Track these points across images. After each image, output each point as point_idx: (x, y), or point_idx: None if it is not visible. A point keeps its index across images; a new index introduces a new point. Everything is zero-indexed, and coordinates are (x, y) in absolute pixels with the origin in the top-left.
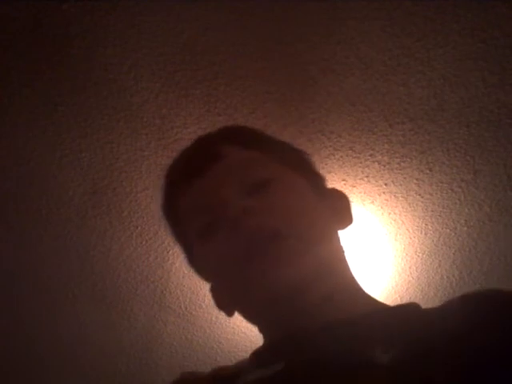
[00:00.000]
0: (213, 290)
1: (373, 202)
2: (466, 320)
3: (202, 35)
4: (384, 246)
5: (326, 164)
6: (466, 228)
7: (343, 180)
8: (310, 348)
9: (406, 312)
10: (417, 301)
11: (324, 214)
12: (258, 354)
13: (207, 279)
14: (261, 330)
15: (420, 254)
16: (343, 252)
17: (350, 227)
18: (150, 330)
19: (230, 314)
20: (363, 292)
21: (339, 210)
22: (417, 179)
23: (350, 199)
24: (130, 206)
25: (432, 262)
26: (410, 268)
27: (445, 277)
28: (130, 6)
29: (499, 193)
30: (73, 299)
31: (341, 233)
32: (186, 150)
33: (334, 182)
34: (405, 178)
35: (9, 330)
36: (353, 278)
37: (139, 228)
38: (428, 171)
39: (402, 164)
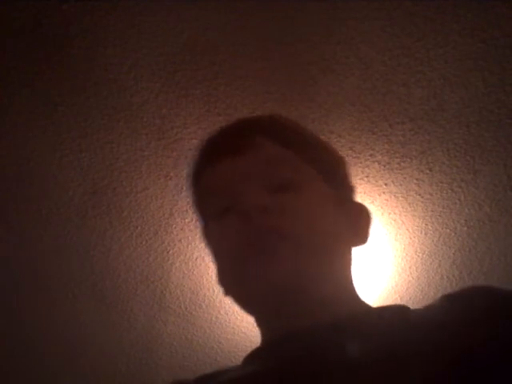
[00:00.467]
0: (216, 266)
1: (373, 202)
2: (450, 320)
3: (202, 35)
4: (384, 246)
5: None
6: (465, 228)
7: None
8: (290, 348)
9: (391, 313)
10: (417, 301)
11: (340, 228)
12: (248, 356)
13: (213, 257)
14: (255, 320)
15: (420, 254)
16: (350, 267)
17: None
18: (149, 330)
19: (225, 294)
20: (360, 300)
21: (357, 227)
22: (417, 179)
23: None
24: (130, 206)
25: (432, 262)
26: (409, 268)
27: (445, 277)
28: (129, 6)
29: (499, 193)
30: (73, 299)
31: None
32: (225, 127)
33: None
34: (405, 177)
35: (9, 330)
36: (353, 291)
37: (139, 228)
38: (428, 171)
39: (402, 164)
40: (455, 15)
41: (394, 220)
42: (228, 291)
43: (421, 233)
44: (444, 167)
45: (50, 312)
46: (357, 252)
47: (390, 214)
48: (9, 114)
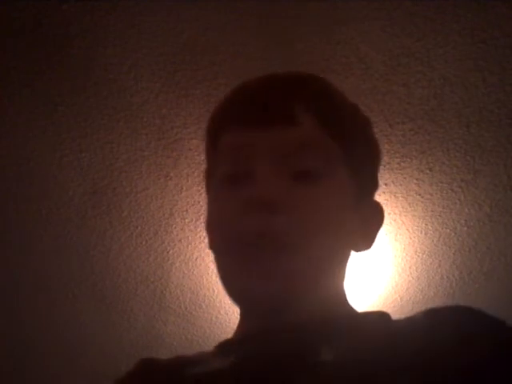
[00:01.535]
0: (208, 214)
1: None
2: (427, 337)
3: (202, 35)
4: (384, 246)
5: None
6: (465, 228)
7: None
8: (264, 345)
9: (371, 320)
10: (417, 301)
11: (351, 230)
12: (219, 346)
13: (209, 209)
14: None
15: (420, 254)
16: (345, 269)
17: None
18: (149, 330)
19: (210, 247)
20: (347, 303)
21: (367, 231)
22: (417, 179)
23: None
24: (130, 206)
25: (432, 262)
26: (409, 268)
27: (445, 277)
28: (129, 6)
29: (499, 193)
30: (73, 299)
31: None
32: (263, 82)
33: None
34: (405, 177)
35: (9, 330)
36: (343, 294)
37: (139, 228)
38: (428, 171)
39: (402, 164)
40: (455, 15)
41: (394, 220)
42: (217, 267)
43: (421, 233)
44: (444, 167)
45: (50, 312)
46: (357, 252)
47: (389, 214)
48: (9, 114)
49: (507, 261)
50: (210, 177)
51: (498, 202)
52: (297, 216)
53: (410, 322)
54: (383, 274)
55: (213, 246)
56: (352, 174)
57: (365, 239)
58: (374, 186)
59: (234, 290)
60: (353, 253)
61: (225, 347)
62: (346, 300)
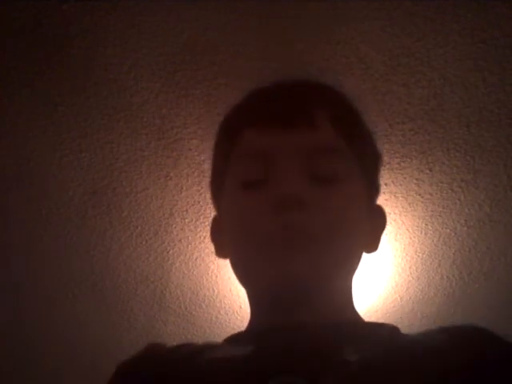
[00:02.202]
0: (216, 223)
1: None
2: (441, 355)
3: (202, 35)
4: (384, 246)
5: None
6: (465, 228)
7: None
8: (282, 340)
9: (383, 332)
10: (417, 301)
11: (362, 232)
12: (232, 338)
13: (218, 213)
14: (247, 294)
15: (420, 254)
16: (354, 271)
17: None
18: (150, 330)
19: (218, 254)
20: (354, 309)
21: (374, 234)
22: (417, 179)
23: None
24: (130, 206)
25: (432, 262)
26: (410, 268)
27: (445, 277)
28: (129, 6)
29: (499, 193)
30: (73, 299)
31: None
32: (283, 85)
33: None
34: (405, 177)
35: (9, 330)
36: (351, 297)
37: (139, 228)
38: (428, 171)
39: (402, 164)
40: (455, 15)
41: (394, 220)
42: (232, 260)
43: (421, 233)
44: (444, 167)
45: (50, 312)
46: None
47: (390, 214)
48: (9, 113)
49: (507, 261)
50: (220, 178)
51: (498, 202)
52: (319, 213)
53: (424, 339)
54: (383, 274)
55: (228, 249)
56: (361, 179)
57: (373, 241)
58: (378, 190)
59: (261, 280)
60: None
61: (238, 339)
62: (353, 304)
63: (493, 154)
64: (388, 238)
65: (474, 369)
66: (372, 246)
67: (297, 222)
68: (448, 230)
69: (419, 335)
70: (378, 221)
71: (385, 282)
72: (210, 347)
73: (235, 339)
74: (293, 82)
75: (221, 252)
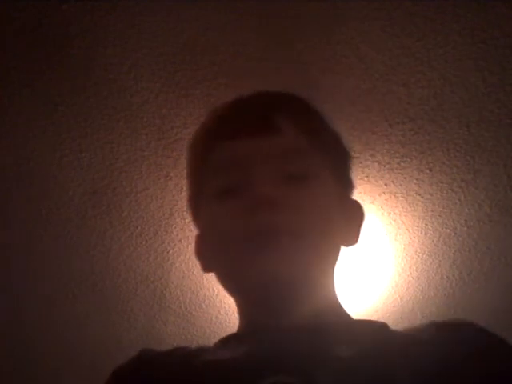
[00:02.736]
0: (199, 239)
1: (373, 202)
2: (431, 350)
3: (202, 35)
4: (384, 246)
5: None
6: (465, 228)
7: None
8: (272, 341)
9: (372, 329)
10: (417, 301)
11: (338, 226)
12: (223, 340)
13: (200, 231)
14: (235, 301)
15: (420, 254)
16: (334, 268)
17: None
18: (150, 330)
19: (205, 269)
20: (340, 306)
21: (351, 227)
22: (417, 179)
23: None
24: (130, 206)
25: (432, 262)
26: (410, 268)
27: (445, 277)
28: (129, 6)
29: (499, 193)
30: (73, 299)
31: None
32: (243, 100)
33: None
34: (405, 177)
35: (9, 330)
36: (334, 292)
37: (139, 228)
38: (428, 171)
39: (402, 164)
40: (455, 15)
41: (394, 220)
42: (218, 273)
43: (421, 233)
44: (444, 167)
45: (50, 312)
46: (357, 252)
47: (390, 214)
48: (9, 113)
49: (507, 261)
50: (197, 195)
51: (498, 202)
52: (292, 212)
53: (414, 334)
54: (383, 274)
55: (214, 263)
56: (331, 176)
57: (350, 234)
58: (351, 186)
59: (242, 282)
60: (353, 253)
61: (230, 341)
62: (337, 298)
63: (493, 154)
64: (388, 238)
65: (462, 362)
66: (350, 239)
67: (270, 222)
68: (448, 230)
69: (408, 331)
70: (354, 215)
71: (385, 281)
72: (202, 350)
73: (227, 341)
74: (254, 94)
75: (206, 267)
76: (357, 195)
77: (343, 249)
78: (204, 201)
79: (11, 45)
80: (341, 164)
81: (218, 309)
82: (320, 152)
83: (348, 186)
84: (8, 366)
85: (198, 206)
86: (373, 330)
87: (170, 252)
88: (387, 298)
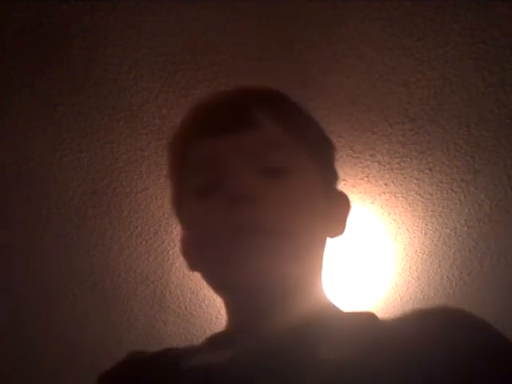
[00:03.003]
0: (184, 237)
1: (373, 202)
2: (420, 341)
3: (202, 35)
4: (384, 246)
5: None
6: (465, 228)
7: (343, 180)
8: (260, 342)
9: (361, 321)
10: (417, 301)
11: (323, 218)
12: (210, 340)
13: (184, 230)
14: (223, 302)
15: (420, 254)
16: (322, 259)
17: (349, 231)
18: (150, 330)
19: (191, 268)
20: (326, 299)
21: (337, 218)
22: (417, 179)
23: (351, 200)
24: (130, 206)
25: (432, 262)
26: (410, 268)
27: (445, 277)
28: (129, 6)
29: (499, 193)
30: (73, 299)
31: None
32: (219, 97)
33: None
34: (405, 177)
35: (9, 329)
36: (321, 284)
37: (139, 228)
38: (428, 171)
39: (402, 164)
40: (455, 15)
41: (394, 220)
42: (201, 270)
43: (421, 233)
44: (444, 167)
45: (50, 312)
46: (357, 252)
47: (390, 214)
48: (9, 113)
49: (507, 261)
50: (179, 194)
51: (498, 202)
52: (273, 208)
53: (398, 324)
54: (383, 274)
55: (199, 263)
56: (315, 167)
57: (335, 225)
58: (335, 177)
59: (224, 281)
60: (353, 254)
61: (218, 341)
62: (325, 295)
63: (493, 154)
64: (388, 237)
65: (449, 349)
66: (336, 230)
67: (251, 221)
68: (448, 230)
69: (395, 320)
70: (339, 205)
71: (385, 281)
72: (191, 352)
73: (214, 341)
74: (231, 90)
75: (192, 266)
76: (357, 195)
77: (343, 248)
78: (185, 199)
79: (11, 45)
80: (323, 154)
81: (217, 309)
82: (301, 144)
83: (332, 176)
84: (8, 366)
85: (180, 204)
86: (360, 323)
87: (170, 252)
88: (387, 298)
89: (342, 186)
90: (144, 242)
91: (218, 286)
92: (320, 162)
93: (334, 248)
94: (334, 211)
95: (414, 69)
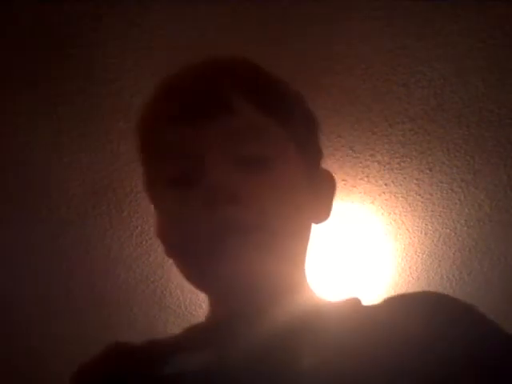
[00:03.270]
0: (160, 223)
1: (373, 202)
2: (405, 325)
3: (202, 35)
4: (384, 246)
5: (326, 164)
6: (466, 228)
7: (343, 180)
8: (246, 341)
9: (345, 311)
10: None
11: (307, 205)
12: (193, 332)
13: (158, 216)
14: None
15: (420, 254)
16: (306, 248)
17: (349, 231)
18: (149, 330)
19: (166, 254)
20: (309, 290)
21: (322, 201)
22: (417, 179)
23: (347, 196)
24: (130, 206)
25: (432, 262)
26: (410, 268)
27: (445, 277)
28: (129, 6)
29: (499, 193)
30: (72, 299)
31: (342, 233)
32: (188, 72)
33: None
34: (405, 177)
35: (9, 329)
36: (304, 275)
37: (139, 228)
38: (428, 171)
39: (402, 164)
40: (455, 15)
41: (394, 220)
42: (176, 261)
43: (421, 233)
44: (444, 167)
45: (50, 312)
46: (357, 252)
47: (390, 214)
48: (9, 114)
49: (507, 261)
50: (151, 183)
51: (498, 202)
52: (255, 201)
53: (382, 308)
54: (383, 274)
55: (172, 251)
56: (298, 148)
57: (321, 209)
58: (319, 155)
59: (206, 280)
60: (353, 254)
61: (196, 335)
62: (308, 286)
63: (493, 154)
64: (388, 237)
65: (434, 332)
66: (321, 215)
67: (231, 217)
68: (448, 230)
69: (379, 307)
70: (324, 187)
71: (385, 282)
72: (174, 350)
73: (193, 335)
74: (198, 66)
75: (167, 253)
76: (357, 195)
77: (343, 248)
78: (159, 185)
79: (11, 45)
80: (306, 132)
81: None
82: (280, 124)
83: (316, 155)
84: (8, 366)
85: (153, 190)
86: (343, 314)
87: None
88: None
89: (341, 186)
90: (144, 242)
91: (196, 282)
92: (302, 141)
93: (333, 248)
94: (318, 194)
95: (413, 69)
